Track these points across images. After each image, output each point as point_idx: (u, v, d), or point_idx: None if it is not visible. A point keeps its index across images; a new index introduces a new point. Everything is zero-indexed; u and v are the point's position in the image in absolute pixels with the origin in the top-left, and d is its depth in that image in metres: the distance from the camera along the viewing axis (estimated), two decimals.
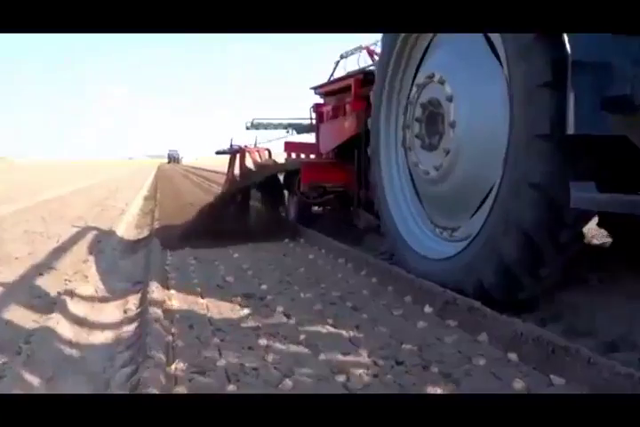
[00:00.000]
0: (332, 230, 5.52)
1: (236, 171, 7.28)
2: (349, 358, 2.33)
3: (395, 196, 4.10)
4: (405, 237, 3.85)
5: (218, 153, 7.99)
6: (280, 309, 3.04)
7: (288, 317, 2.93)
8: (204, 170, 29.10)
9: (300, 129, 7.88)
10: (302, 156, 7.09)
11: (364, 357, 2.33)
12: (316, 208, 6.76)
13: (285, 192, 6.70)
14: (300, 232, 5.75)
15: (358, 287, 3.57)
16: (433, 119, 3.53)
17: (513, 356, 2.26)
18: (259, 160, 7.13)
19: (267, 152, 7.45)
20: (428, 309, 2.97)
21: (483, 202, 3.20)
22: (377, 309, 3.09)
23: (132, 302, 3.46)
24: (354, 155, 5.30)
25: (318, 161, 6.14)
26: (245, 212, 6.35)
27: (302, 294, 3.38)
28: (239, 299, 3.32)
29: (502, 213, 2.85)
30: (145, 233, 6.73)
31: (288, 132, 8.20)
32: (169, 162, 67.25)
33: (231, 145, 7.67)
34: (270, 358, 2.31)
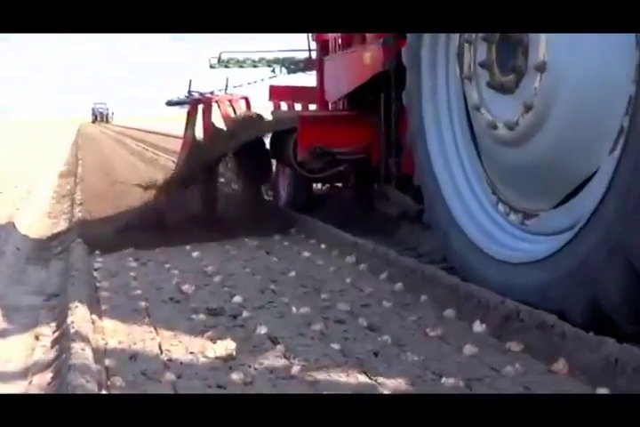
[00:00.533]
0: (343, 220, 5.42)
1: (198, 133, 6.73)
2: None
3: (448, 166, 3.94)
4: (467, 230, 3.73)
5: (170, 104, 7.30)
6: (262, 330, 3.07)
7: (274, 341, 2.96)
8: (148, 133, 29.16)
9: (293, 66, 7.65)
10: (298, 106, 6.84)
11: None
12: (318, 186, 6.56)
13: (273, 164, 6.44)
14: (294, 222, 5.71)
15: (376, 297, 3.60)
16: (509, 46, 3.30)
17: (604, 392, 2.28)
18: (232, 115, 6.70)
19: (243, 102, 7.01)
20: (478, 327, 2.99)
21: (580, 187, 3.08)
22: (404, 328, 3.12)
23: (45, 327, 3.46)
24: (378, 104, 5.08)
25: (323, 114, 5.85)
26: (213, 194, 6.04)
27: (294, 309, 3.40)
28: (202, 317, 3.34)
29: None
30: (62, 226, 6.76)
31: (274, 71, 7.94)
32: (94, 121, 67.29)
33: (189, 92, 7.02)
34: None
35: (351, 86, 5.42)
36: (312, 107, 6.38)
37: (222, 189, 6.21)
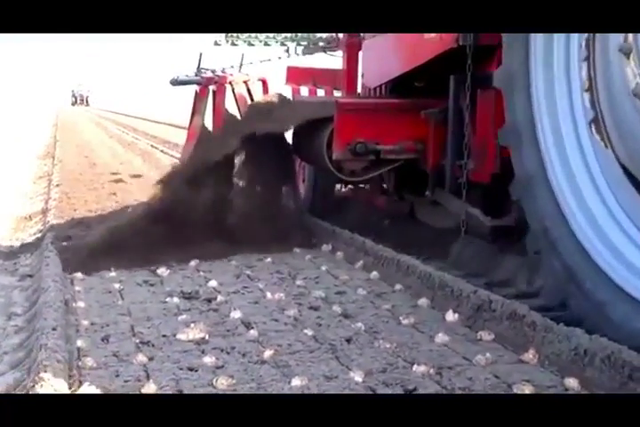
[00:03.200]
0: (374, 231, 4.54)
1: (208, 121, 5.44)
2: (334, 383, 2.37)
3: (570, 175, 2.93)
4: (610, 273, 2.70)
5: (174, 83, 5.63)
6: (236, 315, 3.08)
7: (247, 326, 2.97)
8: (144, 120, 28.75)
9: (312, 45, 6.52)
10: (321, 92, 5.79)
11: (357, 383, 2.35)
12: (343, 189, 5.49)
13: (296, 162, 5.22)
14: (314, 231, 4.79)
15: (351, 285, 3.62)
16: None
17: (571, 383, 2.31)
18: (248, 100, 5.46)
19: (260, 84, 5.72)
20: (451, 316, 3.02)
21: None
22: (377, 316, 3.13)
23: (17, 307, 3.42)
24: (439, 91, 4.19)
25: (367, 101, 4.77)
26: (224, 197, 4.74)
27: (269, 295, 3.41)
28: (176, 300, 3.34)
29: None
30: (30, 234, 5.46)
31: (288, 50, 6.94)
32: (74, 103, 66.68)
33: (199, 69, 5.62)
34: (223, 385, 2.33)
35: (405, 68, 4.47)
36: (337, 93, 5.45)
37: (236, 192, 4.91)
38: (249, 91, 5.50)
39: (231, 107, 5.48)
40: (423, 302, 3.27)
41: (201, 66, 5.63)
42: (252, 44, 7.50)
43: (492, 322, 2.86)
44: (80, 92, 70.29)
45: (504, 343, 2.73)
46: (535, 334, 2.62)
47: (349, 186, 5.49)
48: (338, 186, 5.49)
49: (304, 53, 6.49)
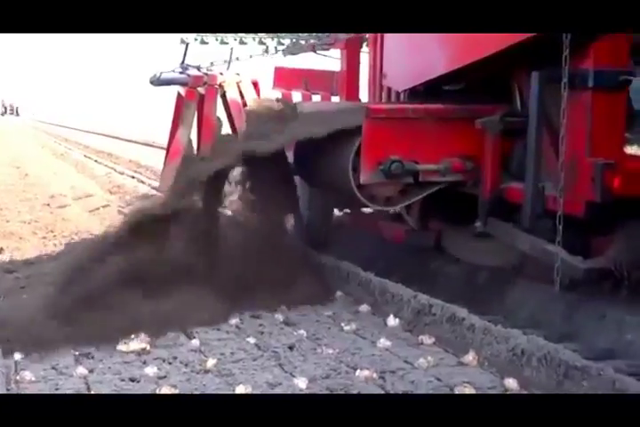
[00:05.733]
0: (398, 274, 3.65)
1: (193, 131, 3.96)
2: (278, 390, 2.39)
3: None
4: None
5: (156, 83, 4.09)
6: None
7: (189, 336, 2.97)
8: (77, 130, 28.35)
9: (297, 43, 5.61)
10: (316, 98, 4.83)
11: (301, 390, 2.38)
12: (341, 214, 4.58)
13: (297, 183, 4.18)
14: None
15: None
16: None
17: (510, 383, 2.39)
18: (242, 107, 4.08)
19: (252, 88, 4.34)
20: (392, 321, 3.07)
21: None
22: (319, 323, 3.16)
23: None
24: (499, 97, 3.51)
25: (400, 107, 3.71)
26: (213, 232, 3.76)
27: None
28: None
29: None
30: None
31: (267, 50, 5.72)
32: (3, 113, 65.22)
33: (184, 65, 4.16)
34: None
35: (459, 63, 3.49)
36: (335, 99, 4.65)
37: (229, 226, 3.92)
38: (242, 95, 4.15)
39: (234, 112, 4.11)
40: (364, 308, 3.30)
41: (185, 61, 4.22)
42: (226, 42, 6.58)
43: (433, 326, 2.93)
44: (9, 102, 68.84)
45: (444, 346, 2.80)
46: (474, 336, 2.70)
47: (345, 210, 4.67)
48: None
49: (286, 54, 5.38)
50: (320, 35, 5.04)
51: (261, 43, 6.47)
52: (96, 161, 12.29)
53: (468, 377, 2.47)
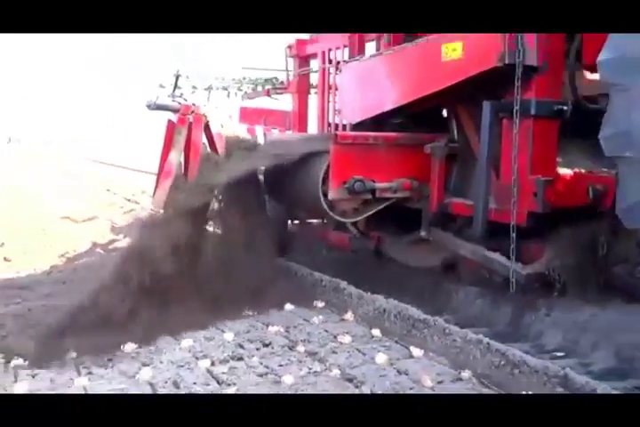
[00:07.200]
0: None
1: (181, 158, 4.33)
2: (213, 343, 3.32)
3: None
4: None
5: (153, 108, 4.55)
6: None
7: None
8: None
9: (254, 89, 6.48)
10: (274, 131, 5.68)
11: (228, 341, 3.32)
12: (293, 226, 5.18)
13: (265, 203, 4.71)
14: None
15: None
16: None
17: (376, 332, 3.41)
18: (220, 132, 4.54)
19: (229, 118, 5.06)
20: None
21: None
22: None
23: None
24: (439, 128, 4.13)
25: (366, 134, 4.17)
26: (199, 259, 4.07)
27: None
28: None
29: None
30: None
31: (229, 95, 6.77)
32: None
33: (175, 93, 4.84)
34: None
35: (415, 95, 3.97)
36: (289, 132, 5.44)
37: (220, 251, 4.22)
38: (221, 125, 4.64)
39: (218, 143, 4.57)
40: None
41: (176, 89, 4.78)
42: (195, 88, 7.15)
43: (324, 294, 3.98)
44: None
45: (331, 308, 3.84)
46: (352, 300, 3.77)
47: (295, 221, 5.27)
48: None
49: (243, 98, 6.13)
50: (275, 81, 6.04)
51: (224, 89, 7.12)
52: None
53: (347, 329, 3.48)
